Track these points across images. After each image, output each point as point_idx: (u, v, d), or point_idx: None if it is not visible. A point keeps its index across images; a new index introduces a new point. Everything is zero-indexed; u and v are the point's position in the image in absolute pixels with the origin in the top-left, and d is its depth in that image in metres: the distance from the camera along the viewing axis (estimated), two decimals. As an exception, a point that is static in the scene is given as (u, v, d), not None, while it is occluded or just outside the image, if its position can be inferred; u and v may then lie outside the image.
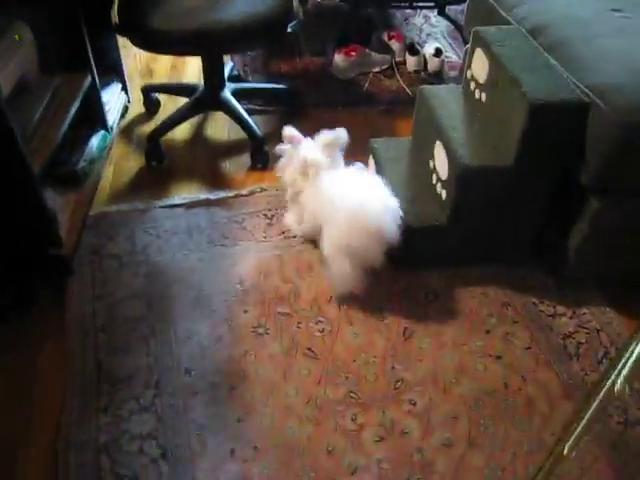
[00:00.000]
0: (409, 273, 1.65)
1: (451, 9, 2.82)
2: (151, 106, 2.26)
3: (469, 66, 1.64)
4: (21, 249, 1.49)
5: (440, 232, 1.57)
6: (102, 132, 1.95)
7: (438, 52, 2.55)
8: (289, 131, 1.68)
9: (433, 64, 2.53)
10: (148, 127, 2.17)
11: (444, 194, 1.54)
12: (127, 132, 2.16)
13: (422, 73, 2.54)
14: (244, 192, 1.88)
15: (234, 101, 2.06)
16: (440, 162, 1.55)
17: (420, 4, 2.69)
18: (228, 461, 1.23)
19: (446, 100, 1.65)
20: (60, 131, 1.66)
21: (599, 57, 1.43)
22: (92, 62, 1.82)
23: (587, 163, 1.37)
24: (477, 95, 1.59)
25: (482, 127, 1.54)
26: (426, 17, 3.00)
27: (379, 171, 1.73)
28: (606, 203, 1.43)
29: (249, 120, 2.01)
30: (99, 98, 1.91)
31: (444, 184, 1.54)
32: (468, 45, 1.72)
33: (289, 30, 1.89)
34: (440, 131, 1.54)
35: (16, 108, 1.56)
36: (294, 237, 1.74)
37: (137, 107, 2.28)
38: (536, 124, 1.35)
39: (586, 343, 1.51)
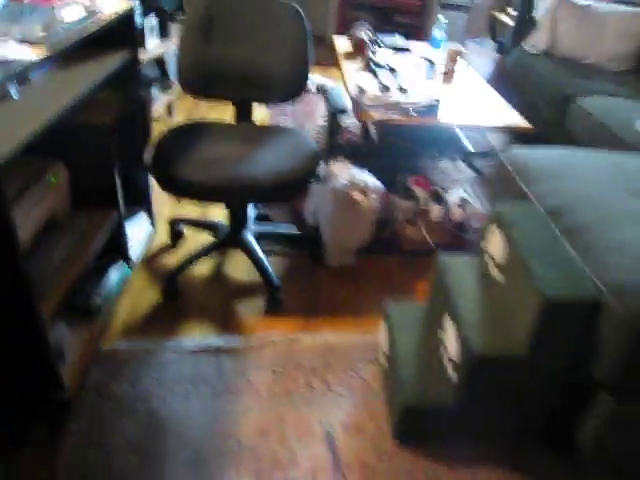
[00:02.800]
0: (413, 451, 1.58)
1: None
2: (176, 237, 2.32)
3: (485, 238, 1.65)
4: (21, 389, 1.48)
5: (446, 412, 1.51)
6: (123, 266, 1.99)
7: (463, 202, 2.60)
8: None
9: (457, 214, 2.57)
10: (170, 258, 2.22)
11: (453, 375, 1.50)
12: (149, 262, 2.21)
13: (446, 223, 2.57)
14: (254, 343, 1.86)
15: (254, 244, 2.10)
16: (449, 339, 1.53)
17: (448, 154, 2.78)
18: None
19: (461, 275, 1.64)
20: (81, 267, 1.69)
21: (617, 249, 1.42)
22: (120, 200, 1.89)
23: (600, 360, 1.33)
24: (493, 273, 1.58)
25: (496, 309, 1.52)
26: (454, 162, 3.09)
27: (391, 338, 1.71)
28: (620, 399, 1.37)
29: (266, 265, 2.04)
30: (123, 233, 1.97)
31: (454, 365, 1.50)
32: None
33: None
34: (453, 310, 1.53)
35: (42, 246, 1.64)
36: (299, 395, 1.70)
37: (162, 235, 2.34)
38: (549, 320, 1.32)
39: None
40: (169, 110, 3.42)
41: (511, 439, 1.61)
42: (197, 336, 1.89)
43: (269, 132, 2.08)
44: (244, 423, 1.62)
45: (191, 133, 2.01)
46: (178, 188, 1.80)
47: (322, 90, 2.03)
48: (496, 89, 2.89)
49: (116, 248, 1.98)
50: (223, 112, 3.46)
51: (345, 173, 2.02)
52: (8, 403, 1.49)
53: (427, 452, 1.58)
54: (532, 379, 1.44)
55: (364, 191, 2.02)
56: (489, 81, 3.49)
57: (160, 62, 3.15)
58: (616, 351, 1.30)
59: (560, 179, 1.74)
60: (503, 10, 4.12)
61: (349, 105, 1.82)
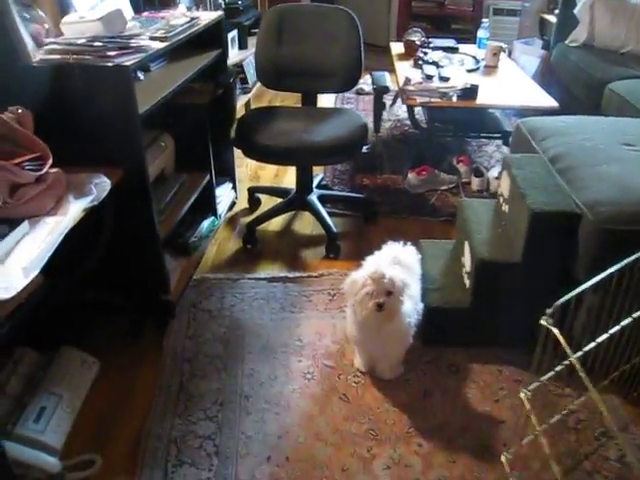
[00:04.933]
0: (437, 349, 1.97)
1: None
2: (253, 203, 2.84)
3: (499, 184, 2.04)
4: (141, 292, 2.01)
5: (463, 313, 1.90)
6: (212, 218, 2.52)
7: (500, 174, 2.96)
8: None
9: (494, 185, 2.93)
10: (249, 219, 2.73)
11: (467, 283, 1.90)
12: (231, 221, 2.73)
13: (485, 193, 2.94)
14: (315, 274, 2.32)
15: (318, 204, 2.57)
16: (467, 258, 1.92)
17: (487, 135, 3.16)
18: (264, 464, 1.58)
19: (479, 210, 2.04)
20: (182, 212, 2.22)
21: (598, 179, 1.78)
22: (212, 165, 2.43)
23: (580, 262, 1.69)
24: (503, 207, 1.97)
25: (503, 232, 1.91)
26: (497, 145, 3.45)
27: (423, 265, 2.11)
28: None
29: (327, 218, 2.51)
30: (213, 192, 2.51)
31: (468, 275, 1.89)
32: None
33: (364, 150, 2.40)
34: (469, 233, 1.93)
35: (156, 190, 2.18)
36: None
37: (242, 203, 2.87)
38: (536, 229, 1.70)
39: (586, 421, 1.73)
40: (246, 108, 4.00)
41: (518, 339, 1.96)
42: (270, 271, 2.37)
43: (328, 112, 2.57)
44: (304, 327, 2.07)
45: (266, 114, 2.53)
46: (257, 152, 2.31)
47: (370, 75, 2.48)
48: (542, 82, 3.24)
49: (207, 204, 2.51)
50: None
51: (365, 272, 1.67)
52: (130, 300, 2.02)
53: (450, 350, 1.97)
54: (528, 280, 1.81)
55: (389, 290, 1.61)
56: (535, 76, 3.85)
57: (240, 67, 3.73)
58: (590, 251, 1.66)
59: (566, 136, 2.10)
60: (551, 11, 4.45)
61: (392, 86, 2.26)
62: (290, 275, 2.34)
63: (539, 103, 2.82)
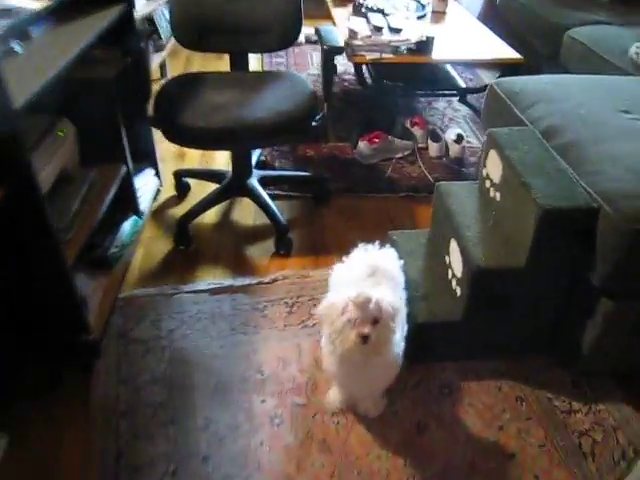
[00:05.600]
0: (423, 366, 1.67)
1: (472, 96, 2.94)
2: (181, 189, 2.39)
3: (484, 165, 1.71)
4: (51, 334, 1.57)
5: (454, 327, 1.60)
6: (134, 218, 2.06)
7: (459, 138, 2.65)
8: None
9: (454, 150, 2.62)
10: (178, 210, 2.29)
11: (459, 290, 1.58)
12: (158, 215, 2.28)
13: (444, 159, 2.63)
14: (266, 280, 1.94)
15: (260, 189, 2.16)
16: (455, 259, 1.60)
17: (442, 92, 2.81)
18: None
19: (462, 197, 1.71)
20: (96, 219, 1.76)
21: (609, 161, 1.48)
22: (127, 153, 1.95)
23: (597, 267, 1.41)
24: (492, 194, 1.65)
25: (496, 225, 1.59)
26: (449, 101, 3.12)
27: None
28: (618, 303, 1.45)
29: (274, 208, 2.11)
30: (132, 186, 2.04)
31: (459, 281, 1.58)
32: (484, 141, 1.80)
33: (314, 124, 2.00)
34: (456, 230, 1.60)
35: (57, 199, 1.69)
36: (313, 326, 1.79)
37: (169, 190, 2.41)
38: (546, 229, 1.39)
39: (602, 442, 1.50)
40: (162, 71, 3.44)
41: (517, 351, 1.70)
42: (211, 279, 1.97)
43: (266, 77, 2.12)
44: (263, 352, 1.71)
45: (190, 83, 2.05)
46: (182, 136, 1.85)
47: (316, 32, 2.03)
48: (487, 26, 2.90)
49: (126, 201, 2.05)
50: (218, 67, 3.47)
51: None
52: (40, 346, 1.58)
53: (438, 367, 1.67)
54: (533, 289, 1.52)
55: (375, 317, 1.27)
56: (479, 18, 3.49)
57: (150, 21, 3.15)
58: (612, 255, 1.37)
59: (553, 102, 1.78)
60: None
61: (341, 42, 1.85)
62: (237, 283, 1.95)
63: (501, 55, 2.49)
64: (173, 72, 3.54)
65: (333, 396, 1.57)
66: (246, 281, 1.95)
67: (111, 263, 1.89)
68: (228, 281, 1.95)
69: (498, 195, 1.61)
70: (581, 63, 2.70)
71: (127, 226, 2.00)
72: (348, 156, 2.63)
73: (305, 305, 1.86)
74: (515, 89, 1.89)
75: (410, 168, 2.57)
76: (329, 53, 1.83)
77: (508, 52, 2.49)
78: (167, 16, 3.23)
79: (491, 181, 1.66)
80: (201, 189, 2.38)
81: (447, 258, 1.68)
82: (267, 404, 1.57)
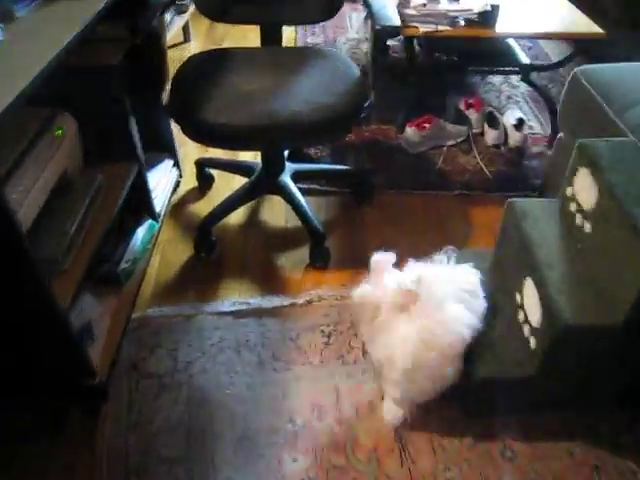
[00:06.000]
0: (482, 421, 1.41)
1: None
2: (204, 181, 2.11)
3: (570, 183, 1.39)
4: (50, 380, 1.34)
5: (525, 383, 1.33)
6: (149, 222, 1.80)
7: (520, 123, 2.30)
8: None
9: (514, 138, 2.28)
10: (200, 206, 2.02)
11: (533, 342, 1.30)
12: (177, 211, 2.02)
13: (502, 148, 2.29)
14: (300, 301, 1.68)
15: (293, 188, 1.87)
16: (531, 303, 1.31)
17: (502, 69, 2.44)
18: None
19: (541, 222, 1.40)
20: (103, 230, 1.51)
21: None
22: (139, 150, 1.68)
23: None
24: (579, 221, 1.34)
25: (585, 265, 1.29)
26: (506, 76, 2.74)
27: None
28: None
29: (308, 212, 1.82)
30: (146, 186, 1.77)
31: (535, 331, 1.29)
32: (560, 135, 1.48)
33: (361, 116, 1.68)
34: (534, 267, 1.30)
35: (55, 210, 1.43)
36: (354, 363, 1.54)
37: (190, 181, 2.14)
38: (660, 284, 1.09)
39: None
40: (185, 35, 3.10)
41: (596, 406, 1.43)
42: (237, 296, 1.72)
43: (303, 56, 1.80)
44: (295, 395, 1.47)
45: (213, 63, 1.74)
46: (202, 134, 1.56)
47: (365, 3, 1.69)
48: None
49: (139, 203, 1.78)
50: (246, 33, 3.12)
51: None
52: (40, 390, 1.36)
53: (500, 422, 1.41)
54: (627, 348, 1.23)
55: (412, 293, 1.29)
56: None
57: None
58: None
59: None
60: None
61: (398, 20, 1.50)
62: (265, 304, 1.69)
63: (578, 28, 2.11)
64: (197, 36, 3.21)
65: (389, 410, 1.40)
66: (276, 302, 1.69)
67: (122, 281, 1.64)
68: (256, 300, 1.69)
69: (588, 226, 1.30)
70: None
71: (141, 233, 1.74)
72: (393, 142, 2.32)
73: (344, 335, 1.61)
74: (606, 81, 1.55)
75: (464, 159, 2.24)
76: (382, 34, 1.49)
77: (586, 24, 2.11)
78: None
79: (579, 206, 1.34)
80: (226, 181, 2.11)
81: (518, 296, 1.39)
82: (299, 464, 1.34)
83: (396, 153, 2.26)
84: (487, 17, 2.05)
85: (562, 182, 1.44)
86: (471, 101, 2.37)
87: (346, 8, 3.35)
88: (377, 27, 1.49)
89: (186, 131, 1.58)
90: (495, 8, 2.04)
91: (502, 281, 1.50)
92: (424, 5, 2.03)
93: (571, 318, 1.18)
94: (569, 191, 1.40)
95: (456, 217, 2.00)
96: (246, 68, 1.72)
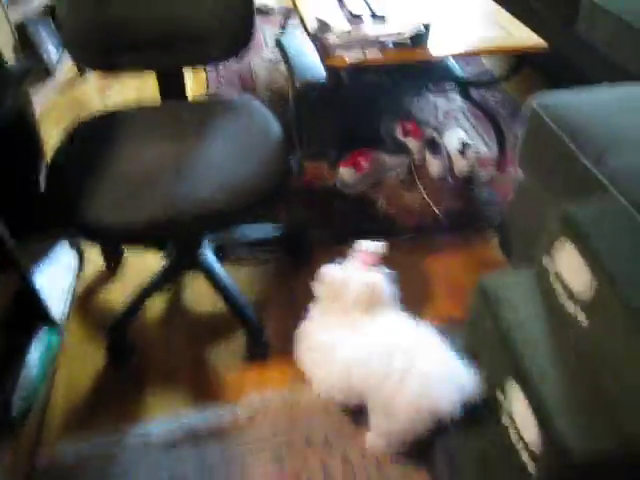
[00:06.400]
0: None
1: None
2: (111, 256, 1.77)
3: (548, 253, 1.16)
4: None
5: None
6: (45, 333, 1.45)
7: (465, 147, 2.07)
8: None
9: (461, 165, 2.05)
10: (110, 292, 1.70)
11: (531, 467, 1.07)
12: (84, 304, 1.68)
13: (448, 178, 2.06)
14: (242, 415, 1.39)
15: (216, 265, 1.57)
16: (519, 412, 1.08)
17: (439, 86, 2.20)
18: None
19: (519, 306, 1.17)
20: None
21: None
22: (14, 255, 1.32)
23: None
24: (571, 310, 1.10)
25: (585, 369, 1.06)
26: (443, 94, 2.51)
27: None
28: None
29: (239, 299, 1.52)
30: (36, 294, 1.41)
31: (533, 454, 1.06)
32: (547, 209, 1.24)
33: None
34: (518, 369, 1.07)
35: None
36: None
37: (95, 258, 1.79)
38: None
39: None
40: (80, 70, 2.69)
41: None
42: (165, 412, 1.41)
43: (211, 113, 1.48)
44: None
45: (98, 136, 1.41)
46: (90, 236, 1.24)
47: (277, 45, 1.40)
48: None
49: (29, 313, 1.43)
50: (144, 80, 2.73)
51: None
52: None
53: None
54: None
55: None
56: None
57: (24, 39, 2.41)
58: None
59: (636, 145, 1.23)
60: None
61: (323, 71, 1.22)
62: (200, 423, 1.38)
63: (518, 43, 1.88)
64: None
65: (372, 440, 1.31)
66: (213, 418, 1.39)
67: (17, 425, 1.29)
68: (189, 419, 1.39)
69: (584, 318, 1.07)
70: (611, 38, 2.12)
71: (35, 354, 1.39)
72: (329, 182, 2.04)
73: (300, 455, 1.32)
74: (575, 119, 1.33)
75: (408, 197, 1.99)
76: (305, 91, 1.20)
77: (531, 38, 1.88)
78: (52, 24, 2.60)
79: (566, 288, 1.11)
80: (138, 258, 1.77)
81: (500, 395, 1.15)
82: None
83: (333, 197, 1.99)
84: (420, 39, 1.79)
85: (536, 247, 1.21)
86: (409, 127, 2.12)
87: (259, 21, 3.02)
88: (297, 85, 1.20)
89: (69, 232, 1.25)
90: (427, 27, 1.79)
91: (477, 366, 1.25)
92: (348, 32, 1.75)
93: (577, 449, 0.94)
94: (549, 264, 1.16)
95: (409, 269, 1.75)
96: (141, 137, 1.40)
